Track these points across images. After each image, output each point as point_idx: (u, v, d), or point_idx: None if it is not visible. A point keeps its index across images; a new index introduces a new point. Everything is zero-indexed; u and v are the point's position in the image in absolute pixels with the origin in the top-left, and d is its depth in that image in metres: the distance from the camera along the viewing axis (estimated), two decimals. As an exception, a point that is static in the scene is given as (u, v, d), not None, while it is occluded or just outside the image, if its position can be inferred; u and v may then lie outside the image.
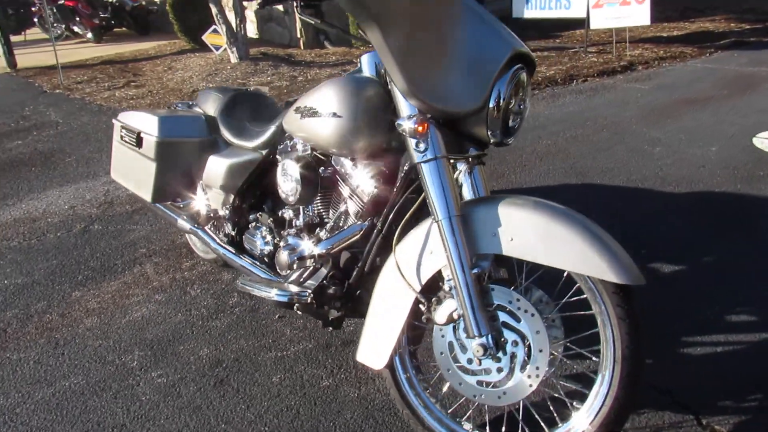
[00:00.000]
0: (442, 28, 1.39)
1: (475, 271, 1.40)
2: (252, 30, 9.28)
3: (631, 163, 3.53)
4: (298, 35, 8.30)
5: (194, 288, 2.53)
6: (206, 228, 2.29)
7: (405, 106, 1.44)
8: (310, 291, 1.73)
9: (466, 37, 1.40)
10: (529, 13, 7.01)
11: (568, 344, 1.51)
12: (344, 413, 1.77)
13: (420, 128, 1.39)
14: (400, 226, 1.53)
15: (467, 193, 1.60)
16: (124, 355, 2.12)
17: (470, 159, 1.59)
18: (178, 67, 7.43)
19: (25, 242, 3.10)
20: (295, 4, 1.59)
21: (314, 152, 1.82)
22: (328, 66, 6.97)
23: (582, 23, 6.71)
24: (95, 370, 2.05)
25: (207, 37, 7.04)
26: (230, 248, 2.18)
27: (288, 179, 1.82)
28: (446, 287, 1.46)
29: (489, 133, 1.47)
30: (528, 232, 1.37)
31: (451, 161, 1.63)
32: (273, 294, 1.78)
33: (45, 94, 6.64)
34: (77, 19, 10.09)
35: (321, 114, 1.65)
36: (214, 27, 6.86)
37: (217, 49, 7.09)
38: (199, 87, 6.27)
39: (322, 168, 1.81)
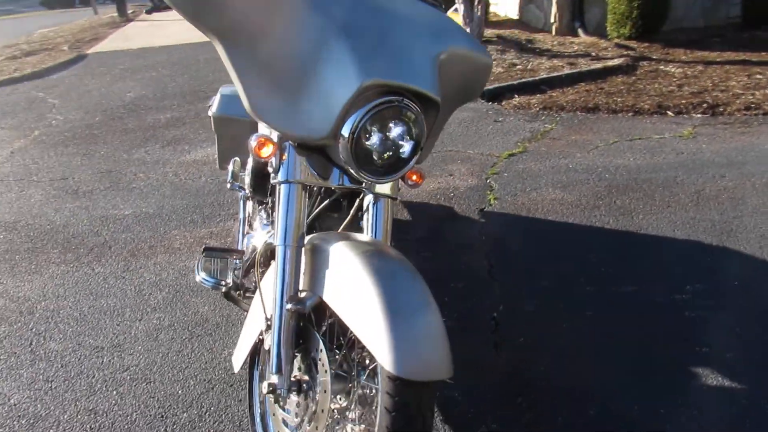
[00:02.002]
0: (291, 49, 1.30)
1: (289, 306, 1.33)
2: (514, 11, 9.12)
3: (815, 233, 2.67)
4: (552, 19, 7.88)
5: (250, 252, 2.79)
6: (247, 200, 2.51)
7: None
8: (225, 281, 1.82)
9: (319, 61, 1.29)
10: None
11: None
12: (246, 401, 1.84)
13: (259, 149, 1.34)
14: (260, 248, 1.51)
15: (366, 228, 1.51)
16: (155, 292, 2.49)
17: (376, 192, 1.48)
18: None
19: (184, 180, 3.74)
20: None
21: None
22: (562, 56, 6.53)
23: None
24: (128, 297, 2.47)
25: (448, 16, 7.18)
26: (245, 224, 2.36)
27: (247, 174, 1.91)
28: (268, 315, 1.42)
29: (348, 168, 1.35)
30: (347, 284, 1.25)
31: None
32: (200, 276, 1.92)
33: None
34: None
35: None
36: (455, 6, 6.95)
37: (456, 28, 7.18)
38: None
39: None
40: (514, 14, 9.13)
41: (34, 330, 2.27)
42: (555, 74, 5.64)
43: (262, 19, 1.30)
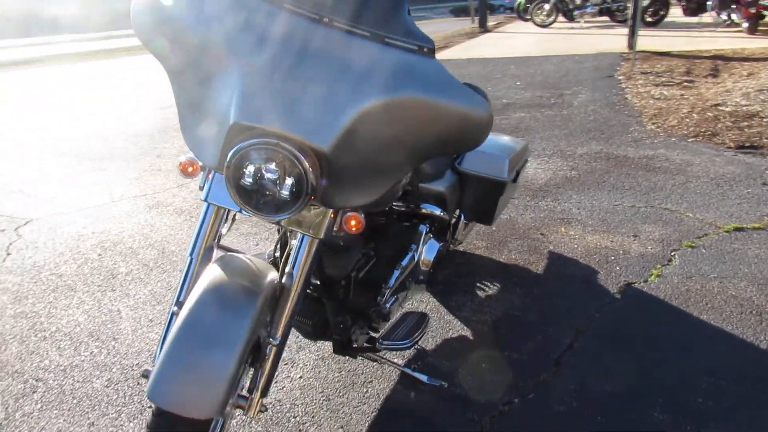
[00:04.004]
0: (208, 85, 1.41)
1: (174, 309, 1.50)
2: None
3: None
4: None
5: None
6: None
7: None
8: None
9: (222, 96, 1.38)
10: None
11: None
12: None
13: (184, 167, 1.52)
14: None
15: (289, 262, 1.56)
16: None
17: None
18: (761, 75, 6.43)
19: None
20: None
21: None
22: None
23: None
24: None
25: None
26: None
27: None
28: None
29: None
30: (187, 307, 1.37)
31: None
32: None
33: (608, 78, 7.11)
34: (734, 6, 9.60)
35: None
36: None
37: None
38: (731, 104, 5.43)
39: None
40: None
41: (181, 280, 2.88)
42: None
43: (189, 58, 1.45)
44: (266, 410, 1.56)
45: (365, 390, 2.00)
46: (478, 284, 2.65)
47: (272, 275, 1.49)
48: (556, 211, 3.41)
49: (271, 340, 1.50)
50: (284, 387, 2.03)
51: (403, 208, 2.18)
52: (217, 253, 1.56)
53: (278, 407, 1.93)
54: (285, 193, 1.33)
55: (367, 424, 1.85)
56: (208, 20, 1.40)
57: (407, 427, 1.84)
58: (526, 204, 3.53)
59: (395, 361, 2.13)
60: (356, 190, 1.44)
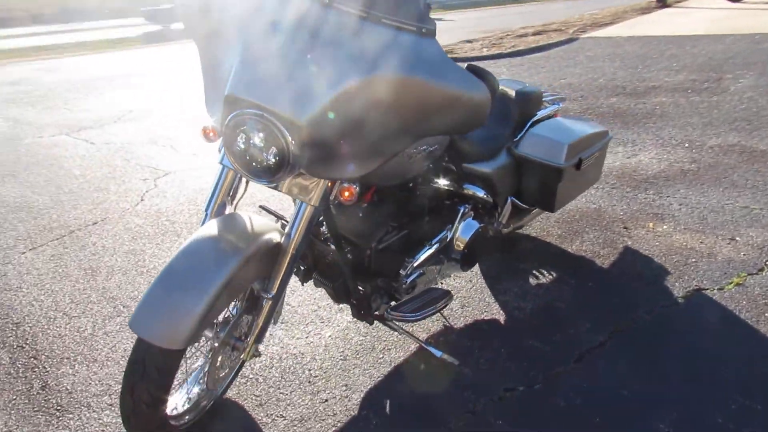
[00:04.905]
0: (219, 55, 1.56)
1: None
2: None
3: None
4: None
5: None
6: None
7: None
8: None
9: (225, 69, 1.52)
10: None
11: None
12: (272, 339, 2.28)
13: (206, 133, 1.71)
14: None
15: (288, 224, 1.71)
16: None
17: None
18: None
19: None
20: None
21: None
22: None
23: None
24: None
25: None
26: None
27: None
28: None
29: None
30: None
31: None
32: None
33: (784, 62, 6.22)
34: None
35: None
36: None
37: None
38: None
39: None
40: None
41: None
42: None
43: (211, 28, 1.62)
44: (259, 355, 1.73)
45: (381, 356, 2.11)
46: (534, 271, 2.59)
47: (270, 236, 1.64)
48: (653, 204, 3.16)
49: (267, 294, 1.66)
50: (311, 342, 2.21)
51: (444, 187, 2.21)
52: (229, 210, 1.76)
53: (299, 359, 2.12)
54: (271, 160, 1.46)
55: (369, 386, 1.96)
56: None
57: (403, 395, 1.91)
58: (623, 194, 3.32)
59: (418, 334, 2.19)
60: (342, 163, 1.53)
